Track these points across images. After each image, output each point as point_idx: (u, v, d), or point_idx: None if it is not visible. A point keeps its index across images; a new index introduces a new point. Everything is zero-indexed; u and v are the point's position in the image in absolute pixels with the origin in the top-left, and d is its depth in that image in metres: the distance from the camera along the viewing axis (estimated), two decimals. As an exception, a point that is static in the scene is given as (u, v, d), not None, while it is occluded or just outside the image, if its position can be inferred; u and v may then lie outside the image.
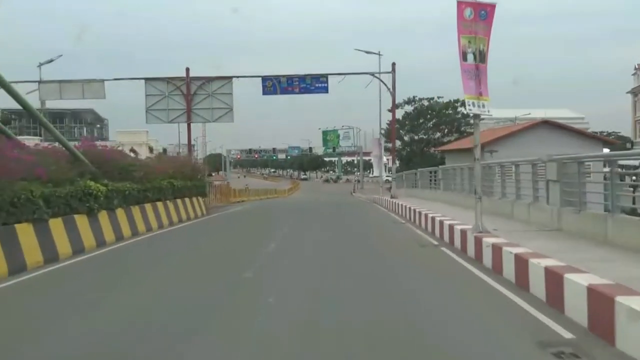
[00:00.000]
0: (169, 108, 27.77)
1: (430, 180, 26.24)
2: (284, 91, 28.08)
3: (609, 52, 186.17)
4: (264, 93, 28.05)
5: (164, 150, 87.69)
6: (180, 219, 18.69)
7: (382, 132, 41.39)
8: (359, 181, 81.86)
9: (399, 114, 73.30)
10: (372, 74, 28.09)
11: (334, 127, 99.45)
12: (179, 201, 19.23)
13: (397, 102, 77.97)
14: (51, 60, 33.04)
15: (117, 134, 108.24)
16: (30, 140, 20.09)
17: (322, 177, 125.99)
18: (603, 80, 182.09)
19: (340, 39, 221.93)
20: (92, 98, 27.63)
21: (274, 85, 27.90)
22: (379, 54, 30.40)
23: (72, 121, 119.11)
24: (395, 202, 22.40)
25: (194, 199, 21.44)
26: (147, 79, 27.73)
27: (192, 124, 28.40)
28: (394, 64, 27.88)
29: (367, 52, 31.35)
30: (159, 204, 17.00)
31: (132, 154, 19.81)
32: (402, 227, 15.64)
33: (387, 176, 43.09)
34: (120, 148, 18.91)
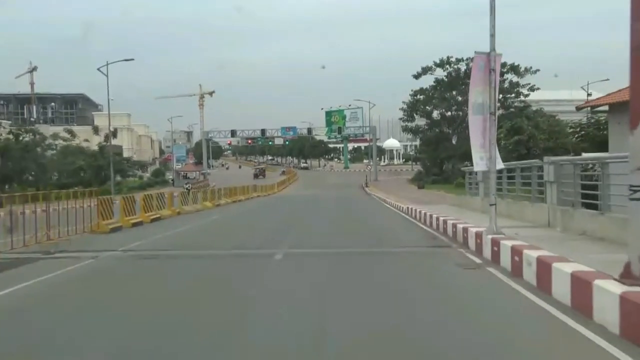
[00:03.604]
0: None
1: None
2: None
3: None
4: None
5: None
6: None
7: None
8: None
9: (427, 81, 55.49)
10: None
11: (339, 106, 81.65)
12: None
13: (423, 65, 58.51)
14: None
15: (95, 117, 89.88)
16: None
17: (325, 165, 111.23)
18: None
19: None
20: None
21: None
22: None
23: (61, 106, 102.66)
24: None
25: None
26: None
27: None
28: None
29: None
30: None
31: None
32: None
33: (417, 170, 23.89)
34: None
